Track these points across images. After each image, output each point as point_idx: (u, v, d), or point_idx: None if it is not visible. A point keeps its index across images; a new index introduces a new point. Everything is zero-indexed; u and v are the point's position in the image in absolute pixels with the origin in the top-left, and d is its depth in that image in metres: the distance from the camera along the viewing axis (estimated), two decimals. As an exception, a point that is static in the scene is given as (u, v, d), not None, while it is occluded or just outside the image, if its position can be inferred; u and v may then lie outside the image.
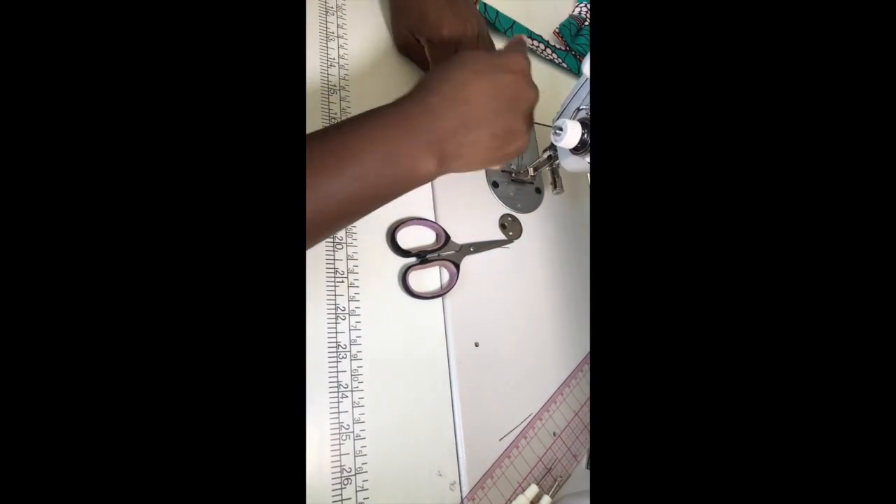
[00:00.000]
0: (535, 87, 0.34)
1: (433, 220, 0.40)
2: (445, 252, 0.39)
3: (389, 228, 0.38)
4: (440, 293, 0.38)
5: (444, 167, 0.32)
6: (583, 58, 0.55)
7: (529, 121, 0.34)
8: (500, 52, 0.35)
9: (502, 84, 0.32)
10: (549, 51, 0.54)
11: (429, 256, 0.38)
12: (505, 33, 0.52)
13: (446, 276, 0.40)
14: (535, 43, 0.54)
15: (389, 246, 0.38)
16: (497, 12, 0.51)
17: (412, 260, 0.38)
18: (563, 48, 0.56)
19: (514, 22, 0.52)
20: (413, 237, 0.39)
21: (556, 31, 0.56)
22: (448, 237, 0.39)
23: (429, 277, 0.39)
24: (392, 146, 0.29)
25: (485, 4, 0.51)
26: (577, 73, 0.56)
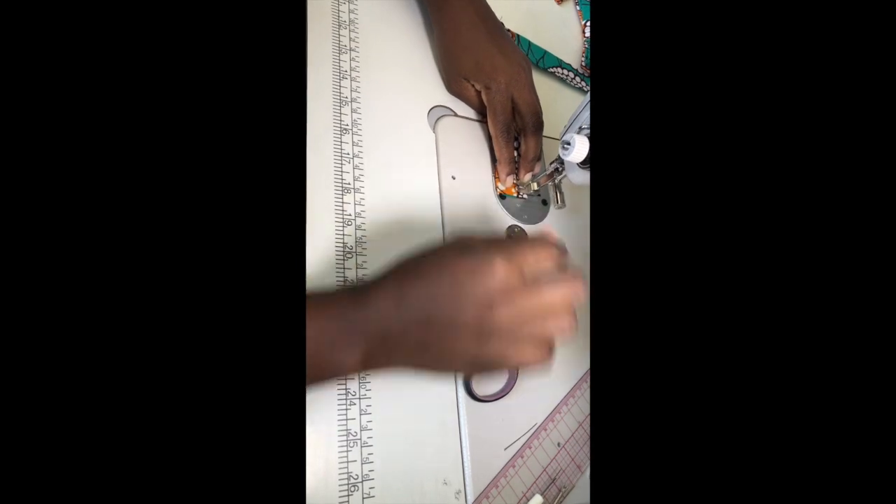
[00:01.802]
0: (508, 300, 0.27)
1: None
2: None
3: None
4: (501, 394, 0.38)
5: (371, 365, 0.28)
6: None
7: (490, 340, 0.27)
8: (474, 249, 0.28)
9: (444, 288, 0.27)
10: (577, 79, 0.56)
11: None
12: (537, 63, 0.53)
13: (506, 375, 0.40)
14: (565, 72, 0.55)
15: None
16: (529, 43, 0.53)
17: None
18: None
19: (546, 52, 0.54)
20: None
21: (583, 64, 0.58)
22: None
23: (487, 378, 0.39)
24: (312, 331, 0.26)
25: (518, 36, 0.52)
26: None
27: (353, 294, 0.28)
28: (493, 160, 0.46)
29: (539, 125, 0.43)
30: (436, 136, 0.44)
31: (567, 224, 0.49)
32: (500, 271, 0.27)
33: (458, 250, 0.28)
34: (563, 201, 0.44)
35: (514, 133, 0.45)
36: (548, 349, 0.29)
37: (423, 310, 0.27)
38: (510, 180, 0.45)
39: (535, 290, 0.28)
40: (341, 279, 0.36)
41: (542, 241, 0.30)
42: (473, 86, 0.44)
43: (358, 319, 0.27)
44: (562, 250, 0.30)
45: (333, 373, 0.28)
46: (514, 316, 0.27)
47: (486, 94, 0.43)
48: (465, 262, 0.27)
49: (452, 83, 0.45)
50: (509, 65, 0.42)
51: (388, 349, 0.28)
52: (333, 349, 0.27)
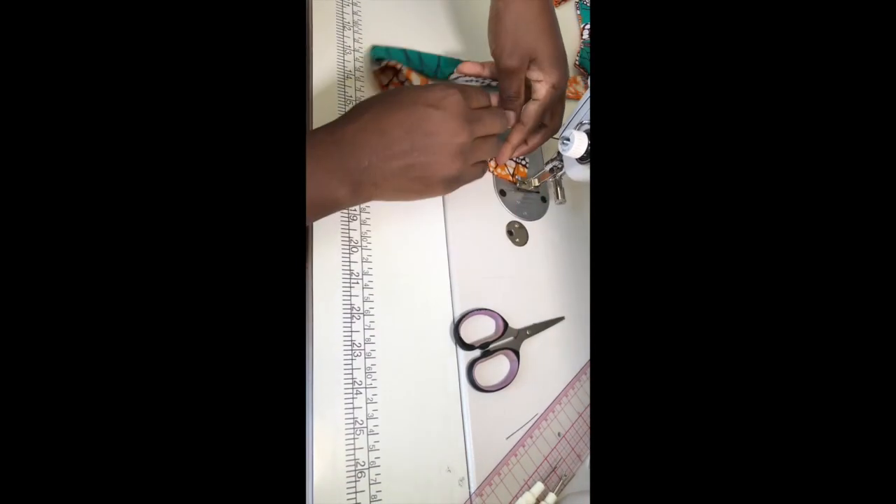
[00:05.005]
0: (467, 124, 0.34)
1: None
2: (505, 340, 0.41)
3: (453, 322, 0.39)
4: (503, 384, 0.40)
5: (359, 195, 0.33)
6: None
7: (459, 157, 0.34)
8: (430, 86, 0.36)
9: (422, 118, 0.33)
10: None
11: (491, 347, 0.40)
12: (435, 74, 0.45)
13: (507, 366, 0.41)
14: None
15: (454, 339, 0.39)
16: (439, 59, 0.45)
17: (476, 353, 0.39)
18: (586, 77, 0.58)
19: (440, 57, 0.46)
20: (474, 329, 0.41)
21: (577, 62, 0.59)
22: (507, 325, 0.41)
23: (487, 369, 0.40)
24: None
25: (420, 56, 0.45)
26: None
27: (332, 133, 0.32)
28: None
29: (554, 129, 0.44)
30: (438, 135, 0.45)
31: (568, 220, 0.50)
32: (458, 100, 0.34)
33: (419, 88, 0.35)
34: (563, 196, 0.45)
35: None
36: (482, 170, 0.39)
37: (404, 138, 0.33)
38: (507, 155, 0.44)
39: (479, 117, 0.36)
40: (347, 272, 0.37)
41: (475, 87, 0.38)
42: (531, 72, 0.41)
43: (343, 156, 0.32)
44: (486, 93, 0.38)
45: (328, 208, 0.33)
46: (470, 138, 0.35)
47: (550, 90, 0.41)
48: (432, 94, 0.34)
49: (511, 64, 0.40)
50: (565, 68, 0.42)
51: (374, 178, 0.33)
52: (322, 188, 0.31)
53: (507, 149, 0.43)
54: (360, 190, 0.33)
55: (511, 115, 0.41)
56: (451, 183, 0.36)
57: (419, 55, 0.45)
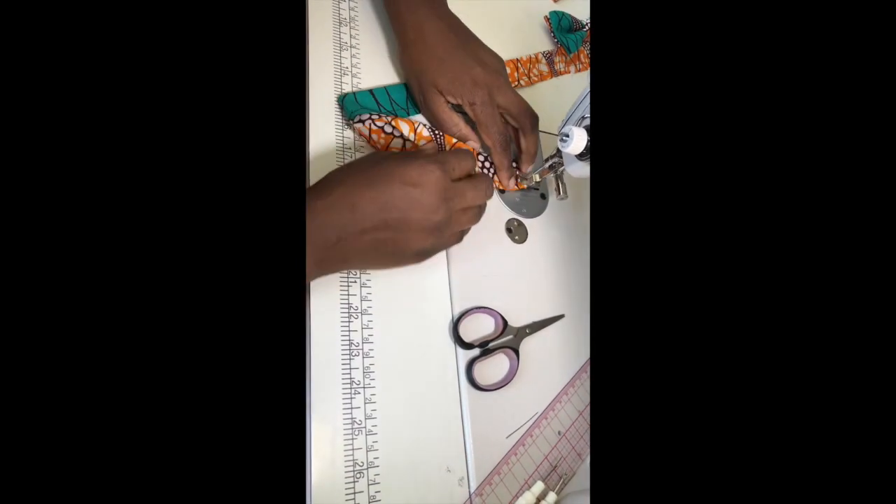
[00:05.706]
0: (445, 202, 0.33)
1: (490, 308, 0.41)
2: (504, 338, 0.40)
3: (452, 321, 0.39)
4: (503, 383, 0.39)
5: (326, 269, 0.33)
6: (564, 49, 0.56)
7: (434, 233, 0.33)
8: (408, 159, 0.34)
9: (397, 196, 0.32)
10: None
11: (490, 346, 0.39)
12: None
13: (507, 365, 0.41)
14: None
15: (453, 338, 0.39)
16: (406, 87, 0.44)
17: (475, 352, 0.39)
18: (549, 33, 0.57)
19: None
20: (473, 327, 0.40)
21: (546, 16, 0.57)
22: (506, 323, 0.40)
23: (487, 368, 0.40)
24: None
25: (387, 91, 0.43)
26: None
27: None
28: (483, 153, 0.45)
29: (536, 121, 0.43)
30: (436, 132, 0.45)
31: (567, 217, 0.49)
32: (437, 177, 0.33)
33: (396, 160, 0.33)
34: (565, 192, 0.45)
35: (510, 136, 0.44)
36: (461, 236, 0.38)
37: (377, 215, 0.31)
38: (513, 182, 0.45)
39: (460, 192, 0.34)
40: (344, 272, 0.36)
41: (459, 150, 0.38)
42: (448, 101, 0.41)
43: (311, 232, 0.30)
44: (472, 156, 0.37)
45: None
46: (448, 214, 0.34)
47: (472, 109, 0.41)
48: (410, 171, 0.32)
49: (428, 100, 0.41)
50: (487, 73, 0.40)
51: (343, 253, 0.32)
52: None
53: (504, 177, 0.44)
54: (327, 264, 0.32)
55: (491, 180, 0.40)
56: (424, 255, 0.35)
57: (386, 92, 0.42)
